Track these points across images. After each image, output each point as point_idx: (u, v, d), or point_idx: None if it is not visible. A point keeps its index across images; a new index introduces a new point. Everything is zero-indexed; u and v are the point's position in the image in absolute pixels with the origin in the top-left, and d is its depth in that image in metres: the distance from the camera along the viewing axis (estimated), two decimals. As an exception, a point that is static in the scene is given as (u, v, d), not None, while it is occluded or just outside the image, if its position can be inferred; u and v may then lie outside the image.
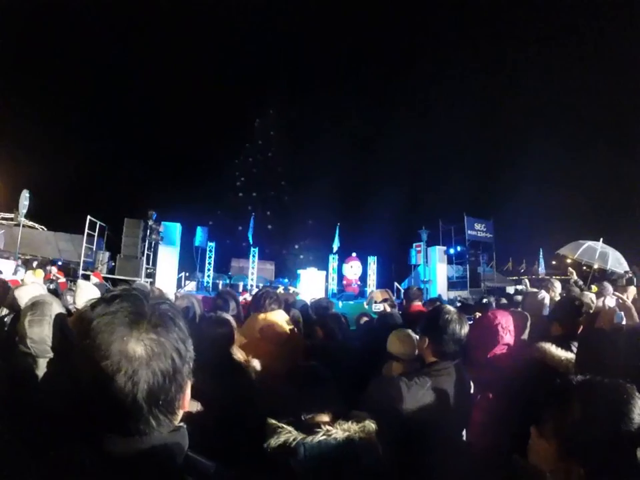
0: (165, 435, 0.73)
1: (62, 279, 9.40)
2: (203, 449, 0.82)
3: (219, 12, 29.77)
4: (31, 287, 3.01)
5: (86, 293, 3.32)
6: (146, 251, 14.09)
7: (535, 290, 4.49)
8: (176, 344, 0.73)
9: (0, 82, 22.70)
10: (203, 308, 3.33)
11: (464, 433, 2.24)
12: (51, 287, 6.70)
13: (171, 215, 15.33)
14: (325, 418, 1.45)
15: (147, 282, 12.52)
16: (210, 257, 17.27)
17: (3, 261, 10.13)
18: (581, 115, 29.61)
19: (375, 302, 4.61)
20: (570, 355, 2.09)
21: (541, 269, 23.63)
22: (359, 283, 18.22)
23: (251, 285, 16.54)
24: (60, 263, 14.22)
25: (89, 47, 27.73)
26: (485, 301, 6.45)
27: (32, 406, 1.80)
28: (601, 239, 8.01)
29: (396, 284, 17.25)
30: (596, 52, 29.66)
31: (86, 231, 13.28)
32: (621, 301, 3.03)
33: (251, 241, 18.85)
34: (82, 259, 13.04)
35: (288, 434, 1.35)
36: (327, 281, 17.12)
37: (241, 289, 15.53)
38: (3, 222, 17.29)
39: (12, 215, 16.56)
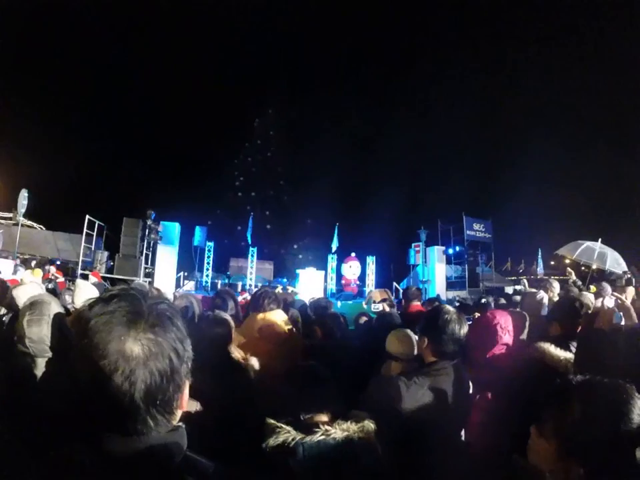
0: (164, 435, 0.73)
1: (60, 279, 9.40)
2: (202, 448, 0.81)
3: (219, 12, 29.80)
4: (29, 286, 3.00)
5: (84, 292, 3.31)
6: (145, 251, 14.10)
7: (534, 290, 4.50)
8: (174, 344, 0.73)
9: (0, 82, 22.67)
10: (202, 308, 3.33)
11: (462, 432, 2.24)
12: (50, 286, 6.70)
13: (170, 214, 15.35)
14: (324, 418, 1.45)
15: (146, 281, 12.50)
16: (209, 257, 17.25)
17: (1, 261, 10.12)
18: (581, 115, 29.67)
19: (374, 302, 4.61)
20: (569, 355, 2.10)
21: (540, 269, 23.62)
22: (357, 282, 18.23)
23: (250, 285, 16.53)
24: (58, 263, 14.20)
25: (89, 46, 27.74)
26: (483, 301, 6.44)
27: (31, 406, 1.79)
28: (599, 239, 8.01)
29: (395, 284, 17.24)
30: (596, 52, 29.73)
31: (85, 230, 13.29)
32: (619, 301, 3.03)
33: (249, 241, 18.83)
34: (80, 258, 13.04)
35: (287, 434, 1.35)
36: (325, 280, 17.12)
37: (239, 289, 15.52)
38: (2, 221, 17.27)
39: (11, 214, 16.55)
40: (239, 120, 28.90)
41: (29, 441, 1.21)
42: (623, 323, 2.14)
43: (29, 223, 17.79)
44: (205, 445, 0.86)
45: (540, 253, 23.94)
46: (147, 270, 14.24)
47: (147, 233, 13.52)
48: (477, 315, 4.08)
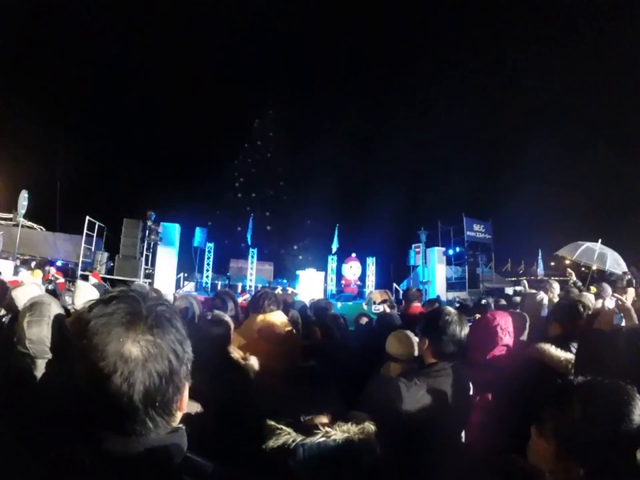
0: (163, 436, 0.73)
1: (60, 280, 9.41)
2: (202, 449, 0.81)
3: (219, 12, 29.78)
4: (28, 287, 2.99)
5: (84, 293, 3.31)
6: (145, 252, 14.10)
7: (534, 291, 4.50)
8: (173, 345, 0.73)
9: (0, 82, 22.67)
10: (202, 309, 3.33)
11: (462, 433, 2.24)
12: (50, 287, 6.71)
13: (170, 215, 15.38)
14: (324, 419, 1.44)
15: (146, 282, 12.49)
16: (209, 258, 17.27)
17: (1, 261, 10.12)
18: (581, 115, 29.60)
19: (374, 303, 4.61)
20: (569, 356, 2.09)
21: (540, 270, 23.65)
22: (357, 283, 18.25)
23: (250, 286, 16.54)
24: (58, 264, 14.23)
25: (89, 46, 27.69)
26: (483, 301, 6.43)
27: (31, 406, 1.79)
28: (600, 240, 8.01)
29: (395, 285, 17.25)
30: (596, 52, 29.66)
31: (85, 231, 13.29)
32: (620, 302, 3.03)
33: (249, 242, 18.86)
34: (80, 259, 13.04)
35: (287, 435, 1.34)
36: (325, 281, 17.14)
37: (240, 290, 15.53)
38: (2, 222, 17.25)
39: (11, 215, 16.55)
40: (238, 120, 28.91)
41: (29, 441, 1.21)
42: (623, 323, 2.15)
43: (29, 223, 17.75)
44: (205, 445, 0.86)
45: (540, 254, 23.99)
46: (147, 271, 14.25)
47: (147, 234, 13.54)
48: (478, 316, 4.07)
